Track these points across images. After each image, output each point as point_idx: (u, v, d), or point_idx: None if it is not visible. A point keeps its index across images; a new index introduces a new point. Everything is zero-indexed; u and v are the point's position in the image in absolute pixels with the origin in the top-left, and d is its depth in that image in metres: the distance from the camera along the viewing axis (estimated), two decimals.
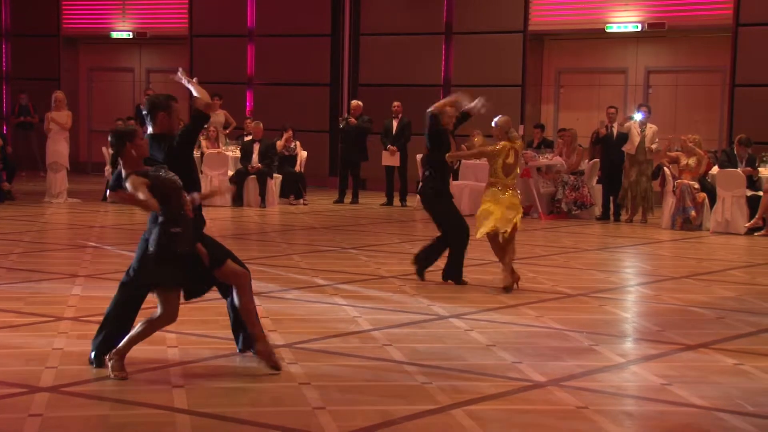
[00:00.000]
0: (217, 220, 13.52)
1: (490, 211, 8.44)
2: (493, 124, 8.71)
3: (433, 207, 8.92)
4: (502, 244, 8.51)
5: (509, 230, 8.45)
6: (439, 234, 8.86)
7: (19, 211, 14.10)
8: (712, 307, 7.85)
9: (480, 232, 8.50)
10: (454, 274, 8.68)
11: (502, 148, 8.52)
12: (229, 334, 6.47)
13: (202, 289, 5.74)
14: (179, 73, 6.26)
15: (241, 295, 5.65)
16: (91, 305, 7.37)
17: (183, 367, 5.68)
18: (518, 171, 8.81)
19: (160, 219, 5.35)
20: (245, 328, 5.78)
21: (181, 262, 5.40)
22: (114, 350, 5.49)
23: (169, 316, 5.48)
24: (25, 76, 21.42)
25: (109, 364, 5.45)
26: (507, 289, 8.30)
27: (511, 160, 8.53)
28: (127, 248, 10.63)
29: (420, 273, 8.81)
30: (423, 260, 8.83)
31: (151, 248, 5.37)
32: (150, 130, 5.88)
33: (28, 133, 20.19)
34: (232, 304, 5.82)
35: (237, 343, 5.96)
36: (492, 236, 8.52)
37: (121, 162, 5.42)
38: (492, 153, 8.59)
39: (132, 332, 5.53)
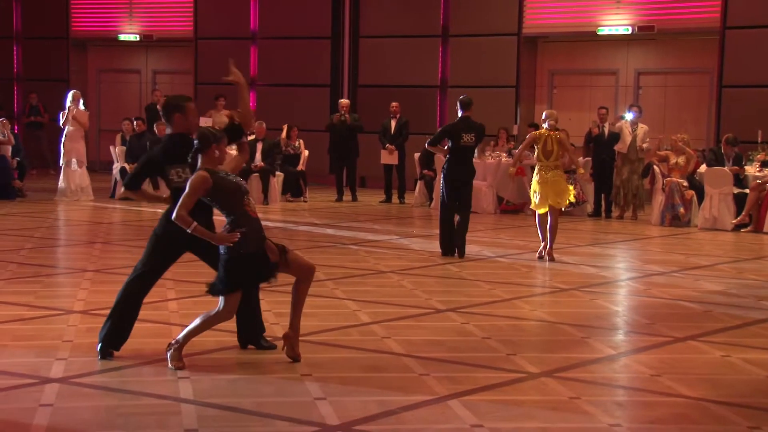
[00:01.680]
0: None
1: (538, 191, 9.82)
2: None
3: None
4: (552, 223, 9.77)
5: (564, 204, 10.00)
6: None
7: (30, 208, 14.09)
8: (699, 300, 7.85)
9: (540, 210, 9.84)
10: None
11: (539, 135, 9.86)
12: (233, 326, 6.48)
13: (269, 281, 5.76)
14: (231, 66, 6.38)
15: (304, 286, 5.81)
16: (99, 299, 7.36)
17: (188, 359, 5.68)
18: (559, 154, 9.81)
19: (227, 223, 5.50)
20: (258, 328, 5.89)
21: (253, 262, 5.48)
22: (174, 341, 5.55)
23: (228, 314, 5.57)
24: (36, 77, 21.41)
25: (168, 354, 5.50)
26: (546, 258, 9.73)
27: (549, 146, 9.76)
28: (135, 244, 10.63)
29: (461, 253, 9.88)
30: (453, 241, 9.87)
31: (222, 253, 5.48)
32: (168, 130, 5.93)
33: (39, 133, 20.15)
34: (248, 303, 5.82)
35: (240, 338, 5.96)
36: (544, 215, 9.83)
37: (200, 159, 5.51)
38: (531, 139, 9.99)
39: (190, 326, 5.59)
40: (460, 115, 10.31)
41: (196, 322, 5.59)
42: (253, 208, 5.55)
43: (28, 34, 21.63)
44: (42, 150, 19.79)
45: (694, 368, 5.75)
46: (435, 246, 10.26)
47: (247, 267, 5.51)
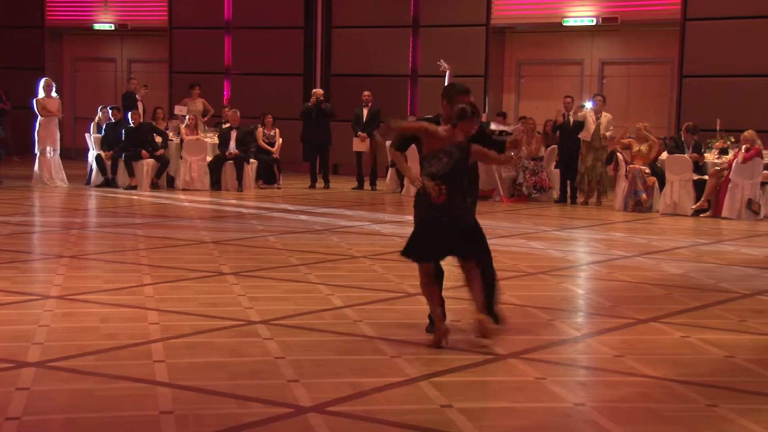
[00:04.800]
0: (196, 203, 13.43)
1: None
2: None
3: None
4: None
5: None
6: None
7: (6, 195, 13.91)
8: (661, 283, 7.92)
9: None
10: None
11: None
12: (208, 310, 6.44)
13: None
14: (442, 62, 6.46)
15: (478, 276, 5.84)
16: (75, 284, 7.29)
17: (164, 342, 5.64)
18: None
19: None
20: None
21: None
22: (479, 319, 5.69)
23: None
24: (11, 65, 21.11)
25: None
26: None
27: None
28: (110, 230, 10.54)
29: None
30: None
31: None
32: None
33: (1, 119, 19.85)
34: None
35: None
36: None
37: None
38: None
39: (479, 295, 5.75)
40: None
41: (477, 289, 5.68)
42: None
43: (3, 23, 21.31)
44: (5, 137, 19.54)
45: (655, 349, 5.80)
46: (406, 231, 10.25)
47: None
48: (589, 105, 14.26)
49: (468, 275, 5.83)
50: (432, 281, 5.80)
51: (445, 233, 5.68)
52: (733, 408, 4.65)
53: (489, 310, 5.94)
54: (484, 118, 16.67)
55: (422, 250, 5.74)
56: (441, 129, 5.72)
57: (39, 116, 15.01)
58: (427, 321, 6.05)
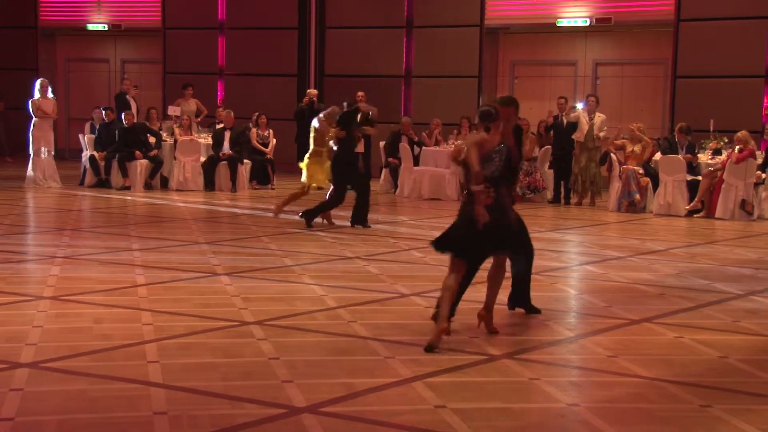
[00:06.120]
0: (190, 204, 13.41)
1: None
2: None
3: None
4: None
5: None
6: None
7: None
8: (654, 284, 7.93)
9: None
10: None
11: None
12: (202, 311, 6.43)
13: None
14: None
15: (502, 270, 6.23)
16: (69, 285, 7.28)
17: (158, 343, 5.63)
18: None
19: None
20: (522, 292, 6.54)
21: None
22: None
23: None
24: (5, 66, 21.07)
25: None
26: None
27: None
28: (104, 231, 10.52)
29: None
30: None
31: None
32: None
33: None
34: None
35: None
36: None
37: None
38: None
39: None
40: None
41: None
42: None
43: None
44: None
45: (649, 349, 5.82)
46: (400, 231, 10.27)
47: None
48: (580, 106, 14.32)
49: (495, 272, 6.15)
50: (457, 277, 5.93)
51: (489, 235, 5.84)
52: (727, 408, 4.66)
53: (528, 304, 6.51)
54: (477, 120, 16.70)
55: (462, 247, 5.93)
56: (483, 135, 5.98)
57: (33, 117, 14.97)
58: (419, 321, 6.05)
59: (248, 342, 5.73)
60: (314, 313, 6.56)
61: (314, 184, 11.47)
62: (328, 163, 11.17)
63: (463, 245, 5.90)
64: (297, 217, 11.17)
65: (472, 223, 5.84)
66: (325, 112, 11.63)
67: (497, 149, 5.92)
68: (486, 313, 6.09)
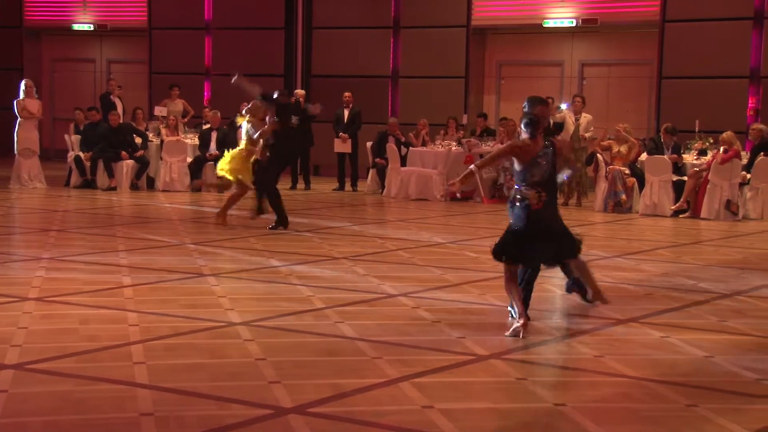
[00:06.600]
0: (176, 204, 13.37)
1: None
2: None
3: None
4: None
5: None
6: None
7: None
8: (641, 284, 7.96)
9: None
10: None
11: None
12: (189, 312, 6.41)
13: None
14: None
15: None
16: (54, 286, 7.24)
17: (144, 344, 5.61)
18: None
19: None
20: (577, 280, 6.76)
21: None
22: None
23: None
24: None
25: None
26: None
27: None
28: (89, 231, 10.47)
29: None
30: None
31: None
32: None
33: None
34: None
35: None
36: None
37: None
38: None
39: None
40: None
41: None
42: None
43: None
44: None
45: (635, 349, 5.83)
46: (386, 232, 10.27)
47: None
48: (564, 107, 14.37)
49: (575, 264, 6.45)
50: (515, 278, 6.14)
51: (541, 239, 6.02)
52: (713, 408, 4.68)
53: (585, 295, 6.79)
54: (464, 120, 16.74)
55: (519, 254, 6.11)
56: (526, 140, 6.03)
57: (18, 117, 14.91)
58: (406, 321, 6.04)
59: (235, 343, 5.72)
60: (301, 313, 6.54)
61: (240, 177, 10.96)
62: (251, 162, 10.95)
63: (518, 252, 6.03)
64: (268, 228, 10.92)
65: (521, 230, 5.88)
66: (247, 108, 11.62)
67: (542, 153, 5.92)
68: (596, 294, 6.52)
